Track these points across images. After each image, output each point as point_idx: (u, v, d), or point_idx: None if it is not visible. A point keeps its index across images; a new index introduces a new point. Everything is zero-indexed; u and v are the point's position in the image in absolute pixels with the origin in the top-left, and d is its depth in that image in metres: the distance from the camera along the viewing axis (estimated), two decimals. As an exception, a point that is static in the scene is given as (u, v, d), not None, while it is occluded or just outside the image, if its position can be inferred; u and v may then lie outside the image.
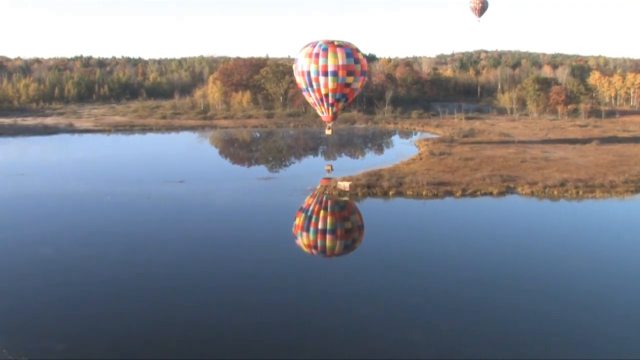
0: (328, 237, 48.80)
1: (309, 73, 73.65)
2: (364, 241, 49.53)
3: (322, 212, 54.91)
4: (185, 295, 36.95)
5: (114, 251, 45.72)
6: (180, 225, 53.07)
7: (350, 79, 73.89)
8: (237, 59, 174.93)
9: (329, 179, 68.81)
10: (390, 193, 63.39)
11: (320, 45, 73.67)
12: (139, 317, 34.02)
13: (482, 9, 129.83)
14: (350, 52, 74.22)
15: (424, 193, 63.14)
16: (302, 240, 47.88)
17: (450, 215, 57.71)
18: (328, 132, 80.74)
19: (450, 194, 63.29)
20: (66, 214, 57.63)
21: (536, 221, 55.10)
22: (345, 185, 64.76)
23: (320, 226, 50.80)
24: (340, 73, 72.75)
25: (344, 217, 56.25)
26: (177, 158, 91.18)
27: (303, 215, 53.87)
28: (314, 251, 46.08)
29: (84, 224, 53.57)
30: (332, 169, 72.62)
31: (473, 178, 69.14)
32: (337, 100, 74.96)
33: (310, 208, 56.54)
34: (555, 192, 63.64)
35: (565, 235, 50.53)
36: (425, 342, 31.30)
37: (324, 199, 60.64)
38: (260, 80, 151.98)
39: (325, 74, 72.78)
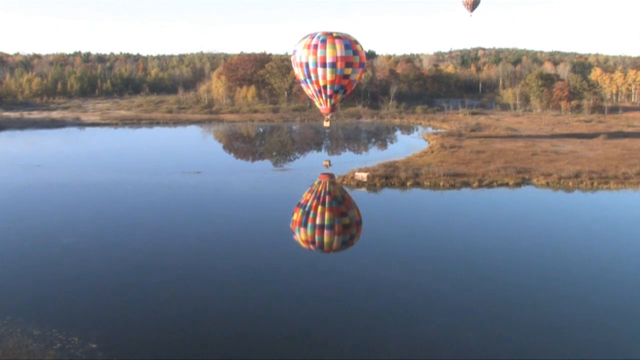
0: (326, 232, 47.65)
1: (307, 64, 73.09)
2: (388, 231, 49.82)
3: (319, 208, 53.66)
4: (195, 289, 36.74)
5: (136, 241, 46.01)
6: (200, 217, 53.27)
7: (348, 71, 73.36)
8: (242, 54, 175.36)
9: (327, 174, 68.65)
10: (408, 184, 64.08)
11: (318, 37, 73.17)
12: (162, 306, 34.11)
13: (474, 4, 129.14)
14: (349, 43, 73.70)
15: (441, 184, 63.87)
16: (300, 236, 46.85)
17: (471, 205, 58.40)
18: (326, 124, 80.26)
19: (467, 184, 64.05)
20: (87, 204, 57.68)
21: (557, 211, 56.01)
22: (362, 176, 65.43)
23: (318, 222, 49.56)
24: (339, 65, 72.24)
25: (342, 212, 55.15)
26: (190, 150, 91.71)
27: (301, 210, 52.56)
28: (311, 247, 45.05)
29: (106, 214, 53.79)
30: (330, 164, 72.37)
31: (487, 170, 69.91)
32: (336, 92, 74.40)
33: (308, 203, 55.15)
34: (570, 183, 64.48)
35: (588, 225, 51.30)
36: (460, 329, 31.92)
37: (322, 194, 59.59)
38: (265, 75, 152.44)
39: (324, 65, 72.24)
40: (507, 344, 29.57)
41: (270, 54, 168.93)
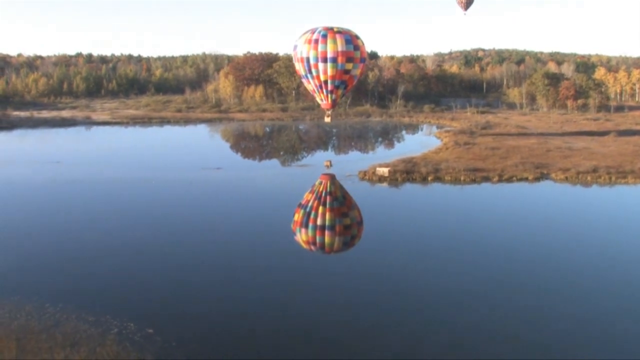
0: (327, 233, 46.83)
1: (308, 59, 72.40)
2: (417, 225, 50.28)
3: (320, 208, 52.80)
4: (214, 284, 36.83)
5: (164, 235, 46.46)
6: (217, 213, 53.73)
7: (349, 66, 72.64)
8: (248, 53, 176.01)
9: (328, 174, 67.74)
10: (429, 178, 64.84)
11: (319, 32, 72.67)
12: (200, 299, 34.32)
13: (467, 3, 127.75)
14: (350, 38, 73.07)
15: (462, 178, 64.66)
16: (301, 237, 46.10)
17: (496, 199, 59.22)
18: (327, 119, 79.74)
19: (487, 179, 64.80)
20: (112, 199, 58.19)
21: (582, 205, 57.28)
22: (384, 171, 66.13)
23: (319, 222, 48.85)
24: (340, 59, 71.45)
25: (343, 213, 54.27)
26: (206, 148, 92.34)
27: (302, 211, 51.41)
28: (312, 248, 44.31)
29: (131, 208, 54.53)
30: (331, 165, 72.01)
31: (505, 165, 70.68)
32: (337, 87, 73.63)
33: (309, 204, 53.84)
34: (589, 178, 65.31)
35: (614, 218, 52.12)
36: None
37: (323, 195, 58.52)
38: (273, 74, 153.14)
39: (325, 60, 71.51)
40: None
41: (277, 54, 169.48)
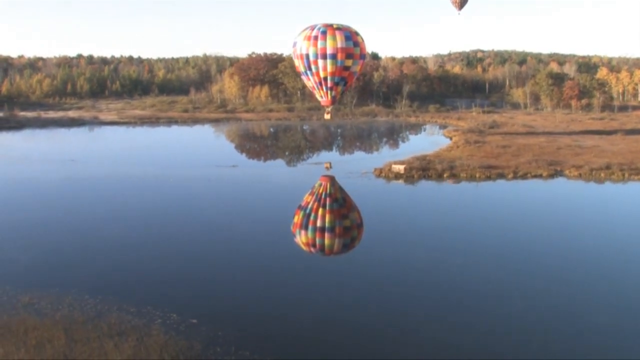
0: (326, 235, 46.21)
1: (307, 56, 72.19)
2: (443, 222, 50.90)
3: (320, 210, 52.14)
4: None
5: (181, 230, 46.73)
6: (240, 209, 54.25)
7: (349, 62, 72.34)
8: (253, 54, 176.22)
9: (327, 176, 67.06)
10: (445, 175, 65.40)
11: (319, 28, 72.43)
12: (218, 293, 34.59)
13: (462, 2, 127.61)
14: (350, 35, 72.85)
15: (477, 175, 65.26)
16: (301, 239, 45.59)
17: (512, 195, 59.78)
18: (327, 116, 79.67)
19: (502, 176, 65.44)
20: (131, 195, 58.50)
21: (600, 201, 57.83)
22: (400, 168, 66.68)
23: (318, 224, 48.26)
24: (339, 56, 71.20)
25: (343, 214, 53.51)
26: (218, 146, 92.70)
27: (301, 213, 50.79)
28: (312, 249, 43.43)
29: (153, 204, 54.84)
30: (330, 167, 71.75)
31: (518, 162, 71.32)
32: (336, 84, 73.27)
33: (309, 206, 53.20)
34: (602, 175, 65.99)
35: (633, 213, 52.67)
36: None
37: (323, 196, 57.87)
38: (278, 74, 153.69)
39: (324, 56, 71.22)
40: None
41: (282, 54, 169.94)
